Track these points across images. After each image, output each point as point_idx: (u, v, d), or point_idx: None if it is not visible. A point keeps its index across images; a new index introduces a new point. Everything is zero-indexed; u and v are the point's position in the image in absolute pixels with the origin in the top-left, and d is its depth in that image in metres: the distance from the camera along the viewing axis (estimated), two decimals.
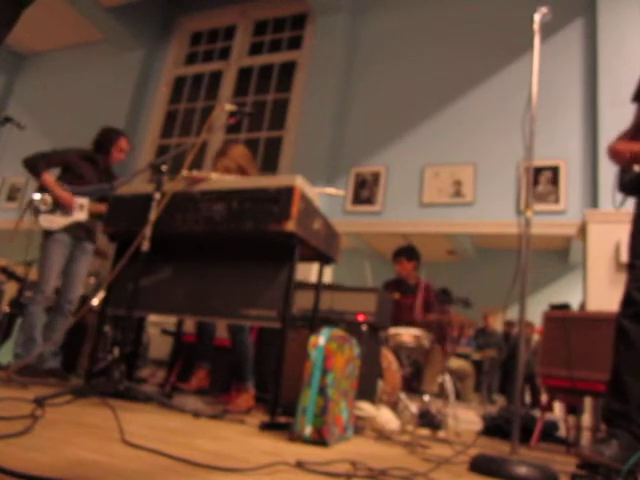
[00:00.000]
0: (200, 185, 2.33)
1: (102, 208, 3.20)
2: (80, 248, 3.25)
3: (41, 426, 1.18)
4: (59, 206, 3.13)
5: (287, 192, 2.11)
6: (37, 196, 3.11)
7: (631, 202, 1.85)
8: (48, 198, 3.12)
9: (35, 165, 3.13)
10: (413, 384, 3.48)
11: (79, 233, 3.22)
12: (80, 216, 3.18)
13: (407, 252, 4.10)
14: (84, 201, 3.21)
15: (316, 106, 5.73)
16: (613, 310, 1.77)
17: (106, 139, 3.38)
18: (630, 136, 1.84)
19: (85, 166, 3.30)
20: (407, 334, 3.27)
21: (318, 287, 2.60)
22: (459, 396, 4.96)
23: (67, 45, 8.10)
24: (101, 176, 3.37)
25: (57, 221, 3.12)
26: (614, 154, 1.81)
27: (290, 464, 1.14)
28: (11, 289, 4.53)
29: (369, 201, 5.25)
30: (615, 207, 1.89)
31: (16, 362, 2.95)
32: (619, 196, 1.86)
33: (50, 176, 3.16)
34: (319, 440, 1.60)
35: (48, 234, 3.13)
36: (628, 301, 1.69)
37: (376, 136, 5.48)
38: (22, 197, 7.11)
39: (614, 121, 4.16)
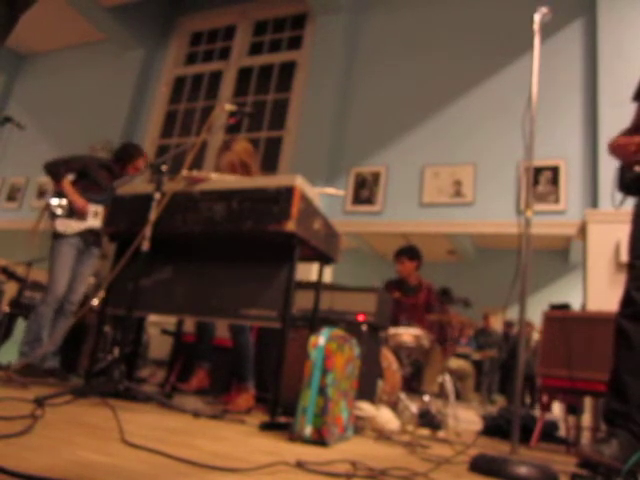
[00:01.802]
0: (200, 185, 2.33)
1: None
2: (88, 252, 3.33)
3: (41, 426, 1.18)
4: (74, 211, 3.21)
5: (287, 192, 2.11)
6: (55, 201, 3.20)
7: (631, 201, 1.85)
8: (64, 203, 3.21)
9: (57, 170, 3.22)
10: (413, 384, 3.48)
11: (89, 238, 3.30)
12: (94, 223, 3.27)
13: (409, 252, 4.09)
14: (99, 208, 3.29)
15: (316, 106, 5.74)
16: (613, 310, 1.77)
17: (126, 154, 3.46)
18: (630, 135, 1.83)
19: (101, 174, 3.38)
20: (407, 334, 3.27)
21: (318, 287, 2.60)
22: (459, 396, 4.97)
23: (67, 45, 8.10)
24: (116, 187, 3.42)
25: (72, 226, 3.20)
26: (617, 148, 1.79)
27: (290, 464, 1.14)
28: (11, 289, 4.53)
29: (369, 201, 5.25)
30: (615, 207, 1.89)
31: (19, 361, 2.96)
32: (619, 195, 1.86)
33: (69, 183, 3.26)
34: (319, 440, 1.60)
35: (60, 237, 3.19)
36: (627, 301, 1.69)
37: (376, 136, 5.48)
38: (22, 197, 7.12)
39: (614, 121, 4.15)
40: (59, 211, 3.18)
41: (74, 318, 3.23)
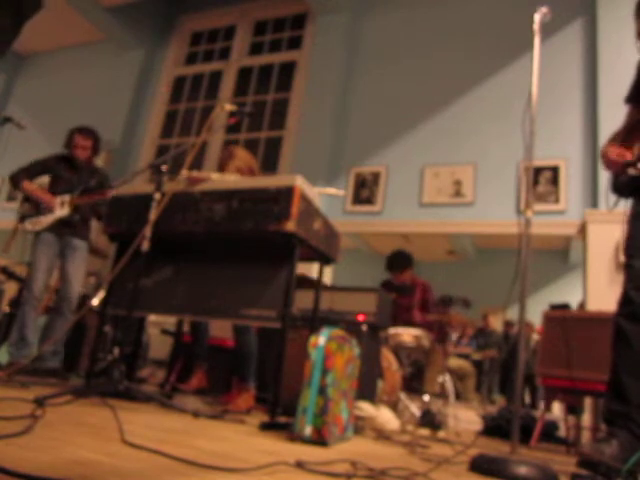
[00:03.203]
0: (200, 185, 2.33)
1: (85, 199, 3.33)
2: (69, 246, 3.32)
3: (41, 426, 1.18)
4: (41, 208, 3.28)
5: (287, 192, 2.11)
6: (24, 209, 3.32)
7: (626, 203, 1.86)
8: (30, 205, 3.31)
9: (15, 179, 3.33)
10: (413, 384, 3.48)
11: (62, 230, 3.32)
12: (62, 212, 3.30)
13: (396, 265, 3.98)
14: (65, 197, 3.32)
15: (316, 106, 5.74)
16: (613, 310, 1.78)
17: (66, 140, 3.48)
18: (622, 137, 1.84)
19: (63, 168, 3.43)
20: (407, 334, 3.28)
21: (318, 287, 2.60)
22: (459, 396, 4.96)
23: (67, 45, 8.10)
24: (80, 174, 3.46)
25: (41, 222, 3.27)
26: (608, 163, 1.82)
27: (290, 464, 1.14)
28: (11, 289, 4.53)
29: (369, 201, 5.25)
30: (609, 209, 1.90)
31: (11, 364, 2.98)
32: (613, 197, 1.87)
33: (29, 183, 3.34)
34: (319, 440, 1.60)
35: (36, 235, 3.28)
36: (625, 301, 1.70)
37: (376, 136, 5.48)
38: (22, 197, 7.11)
39: (614, 121, 4.13)
40: (27, 212, 3.29)
41: (73, 318, 3.23)
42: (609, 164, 1.81)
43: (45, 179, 3.43)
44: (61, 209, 3.29)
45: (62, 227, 3.30)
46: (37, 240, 3.26)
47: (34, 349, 3.11)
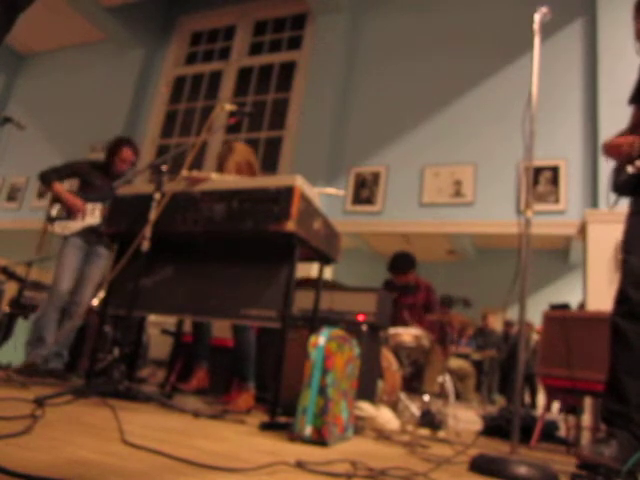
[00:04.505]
0: (200, 185, 2.33)
1: None
2: (94, 252, 3.36)
3: (41, 426, 1.18)
4: (72, 213, 3.27)
5: (287, 192, 2.11)
6: (54, 211, 3.31)
7: (625, 202, 1.86)
8: (62, 208, 3.30)
9: (47, 177, 3.31)
10: (413, 384, 3.48)
11: (91, 237, 3.33)
12: (92, 220, 3.30)
13: (401, 267, 3.97)
14: (97, 206, 3.32)
15: (316, 106, 5.74)
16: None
17: (111, 149, 3.48)
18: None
19: (96, 175, 3.43)
20: (407, 334, 3.28)
21: (318, 287, 2.60)
22: (459, 396, 4.96)
23: (67, 45, 8.11)
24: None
25: (70, 227, 3.27)
26: (610, 148, 1.80)
27: (290, 464, 1.14)
28: (11, 289, 4.53)
29: (369, 201, 5.26)
30: (609, 207, 1.89)
31: (27, 364, 2.99)
32: (613, 196, 1.87)
33: (60, 185, 3.32)
34: (319, 440, 1.60)
35: (65, 238, 3.29)
36: (622, 298, 1.67)
37: (376, 136, 5.48)
38: (22, 197, 7.11)
39: (614, 121, 4.14)
40: (57, 215, 3.27)
41: (79, 320, 3.25)
42: (610, 150, 1.80)
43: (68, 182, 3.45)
44: (92, 217, 3.29)
45: (90, 234, 3.31)
46: (65, 243, 3.26)
47: (49, 349, 3.11)
